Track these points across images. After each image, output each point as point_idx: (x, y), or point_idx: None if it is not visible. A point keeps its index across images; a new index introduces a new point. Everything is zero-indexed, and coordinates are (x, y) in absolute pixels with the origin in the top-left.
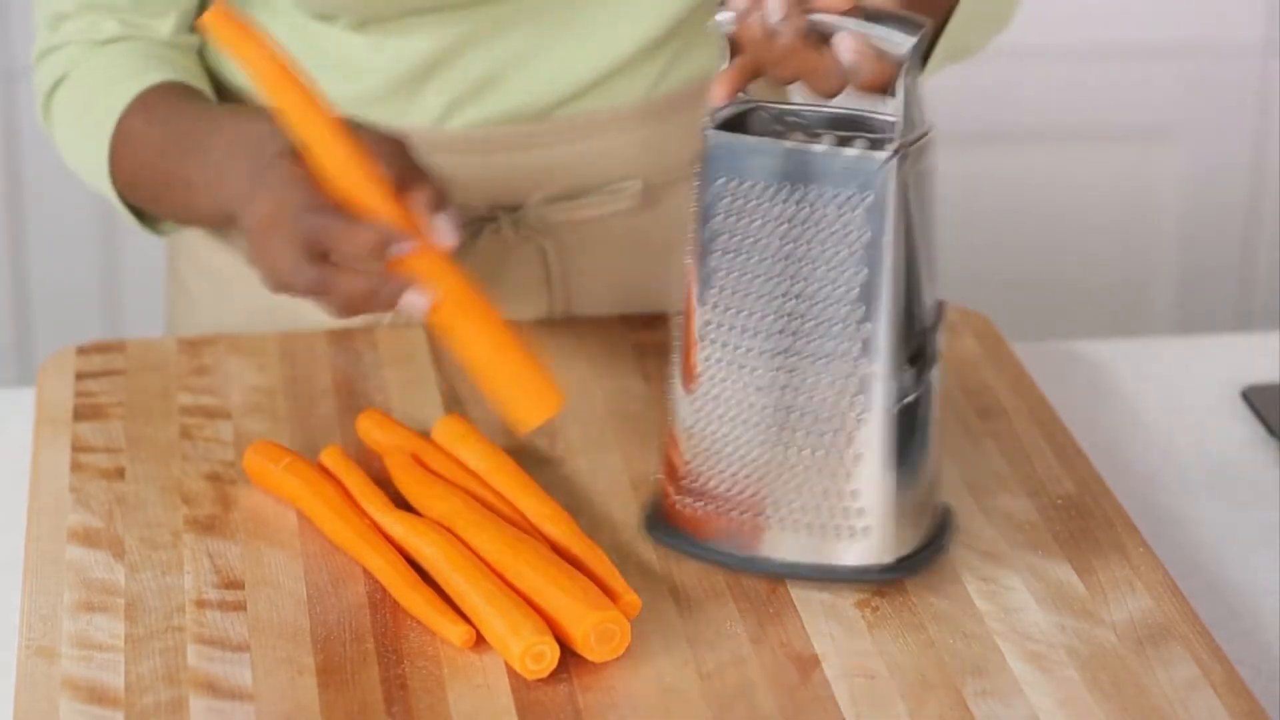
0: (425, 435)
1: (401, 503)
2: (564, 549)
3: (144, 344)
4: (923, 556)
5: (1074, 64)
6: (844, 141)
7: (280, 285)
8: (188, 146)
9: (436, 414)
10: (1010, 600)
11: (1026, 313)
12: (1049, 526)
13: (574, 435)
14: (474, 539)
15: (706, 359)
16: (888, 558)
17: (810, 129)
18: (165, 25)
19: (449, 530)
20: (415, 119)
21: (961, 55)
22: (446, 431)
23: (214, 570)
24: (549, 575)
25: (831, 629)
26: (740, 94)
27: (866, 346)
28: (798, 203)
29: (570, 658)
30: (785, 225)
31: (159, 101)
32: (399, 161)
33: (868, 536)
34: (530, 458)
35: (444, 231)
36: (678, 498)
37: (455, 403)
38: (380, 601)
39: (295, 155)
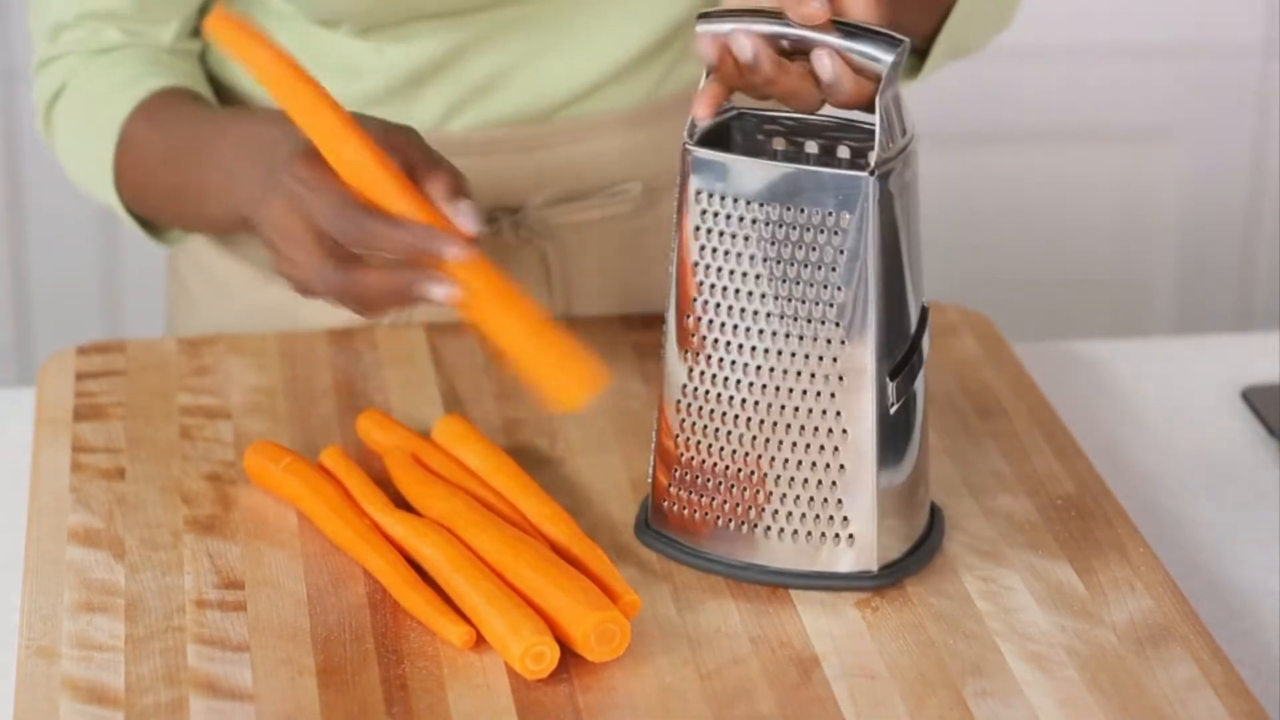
0: (425, 435)
1: (401, 503)
2: (564, 549)
3: (144, 344)
4: (913, 560)
5: (1074, 64)
6: (829, 148)
7: (303, 289)
8: (195, 153)
9: (436, 414)
10: (1010, 600)
11: (1026, 313)
12: (1049, 526)
13: (574, 435)
14: (474, 539)
15: (691, 371)
16: (878, 564)
17: (794, 135)
18: (167, 32)
19: (449, 530)
20: (415, 121)
21: (962, 53)
22: (446, 431)
23: (214, 570)
24: (549, 575)
25: (831, 629)
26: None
27: (851, 358)
28: (779, 218)
29: (570, 658)
30: (767, 240)
31: (161, 108)
32: (412, 152)
33: (858, 544)
34: (530, 458)
35: (467, 218)
36: (669, 506)
37: (455, 403)
38: (380, 602)
39: (310, 155)
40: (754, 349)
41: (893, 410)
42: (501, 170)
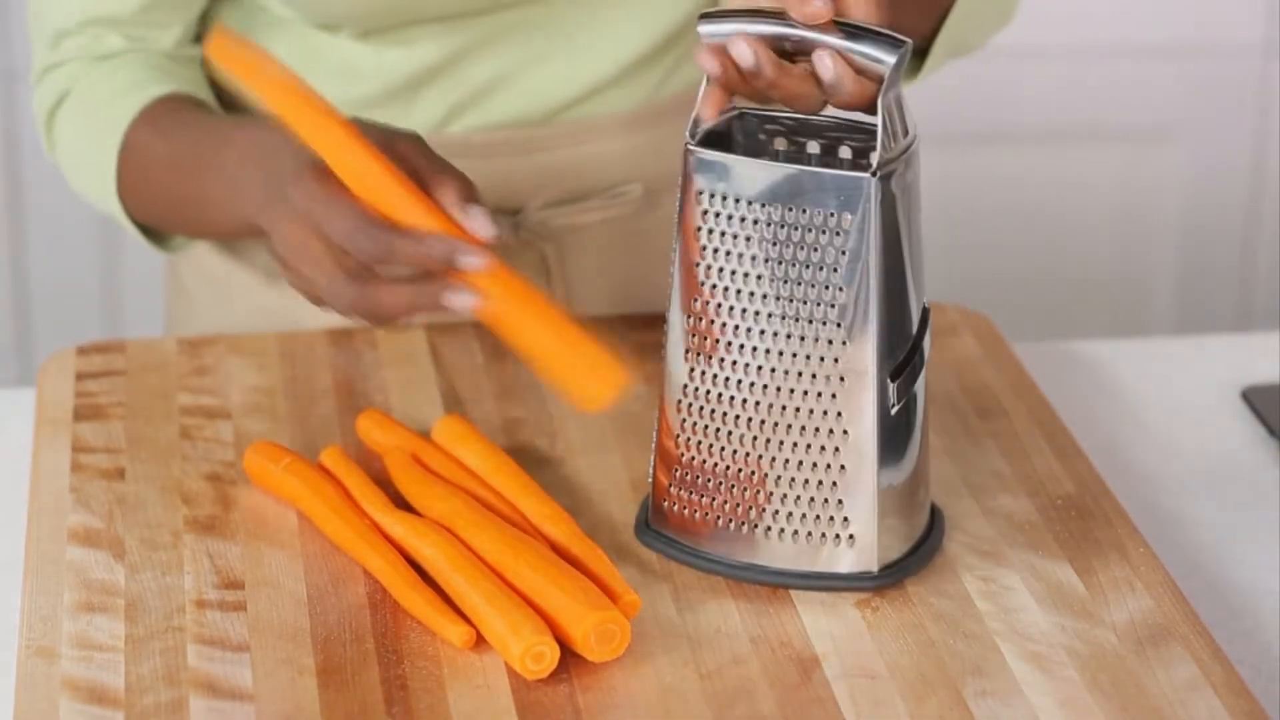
0: (425, 435)
1: (401, 503)
2: (564, 549)
3: (144, 344)
4: (914, 560)
5: (1074, 64)
6: (830, 148)
7: (319, 303)
8: (199, 162)
9: (436, 414)
10: (1010, 600)
11: (1026, 313)
12: (1049, 526)
13: (574, 435)
14: (474, 539)
15: (692, 371)
16: (879, 564)
17: (795, 136)
18: (168, 37)
19: (449, 530)
20: (414, 124)
21: (962, 51)
22: (446, 431)
23: (214, 570)
24: (549, 575)
25: (831, 629)
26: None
27: (852, 359)
28: (780, 218)
29: (570, 658)
30: (769, 241)
31: (164, 114)
32: (418, 160)
33: (858, 544)
34: (530, 458)
35: (482, 223)
36: (670, 505)
37: (455, 403)
38: (380, 602)
39: (318, 171)
40: (755, 349)
41: (893, 411)
42: (501, 172)
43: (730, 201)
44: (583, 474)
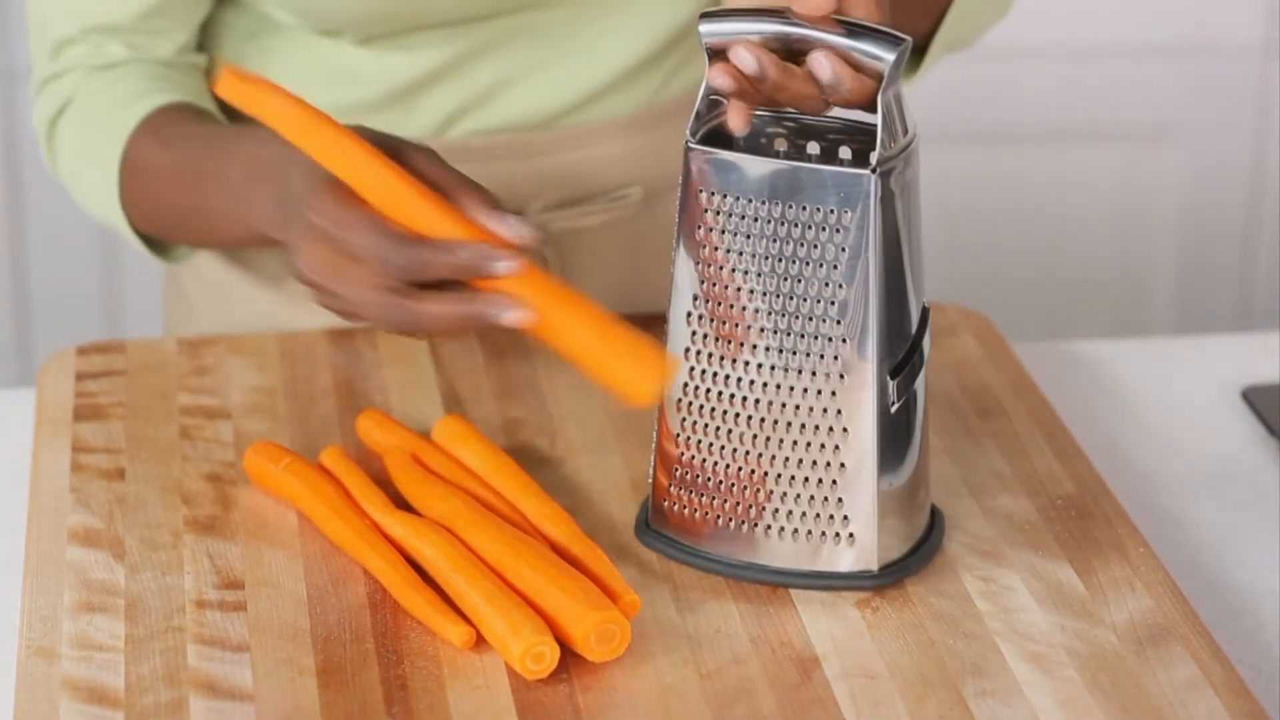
0: (425, 435)
1: (401, 503)
2: (564, 549)
3: (144, 344)
4: (914, 560)
5: (1074, 64)
6: (831, 147)
7: (354, 319)
8: (203, 173)
9: (436, 414)
10: (1010, 600)
11: (1026, 313)
12: (1049, 526)
13: (574, 435)
14: (474, 539)
15: (691, 370)
16: (879, 564)
17: (797, 135)
18: (170, 45)
19: (449, 530)
20: (414, 127)
21: (959, 46)
22: (446, 431)
23: (214, 570)
24: (549, 575)
25: (831, 629)
26: (725, 101)
27: (852, 357)
28: (781, 216)
29: (570, 658)
30: (769, 239)
31: (165, 124)
32: (437, 174)
33: (858, 544)
34: (530, 458)
35: (516, 229)
36: (670, 505)
37: (455, 403)
38: (380, 602)
39: (334, 190)
40: (755, 347)
41: (893, 409)
42: (502, 176)
43: (730, 199)
44: (583, 474)
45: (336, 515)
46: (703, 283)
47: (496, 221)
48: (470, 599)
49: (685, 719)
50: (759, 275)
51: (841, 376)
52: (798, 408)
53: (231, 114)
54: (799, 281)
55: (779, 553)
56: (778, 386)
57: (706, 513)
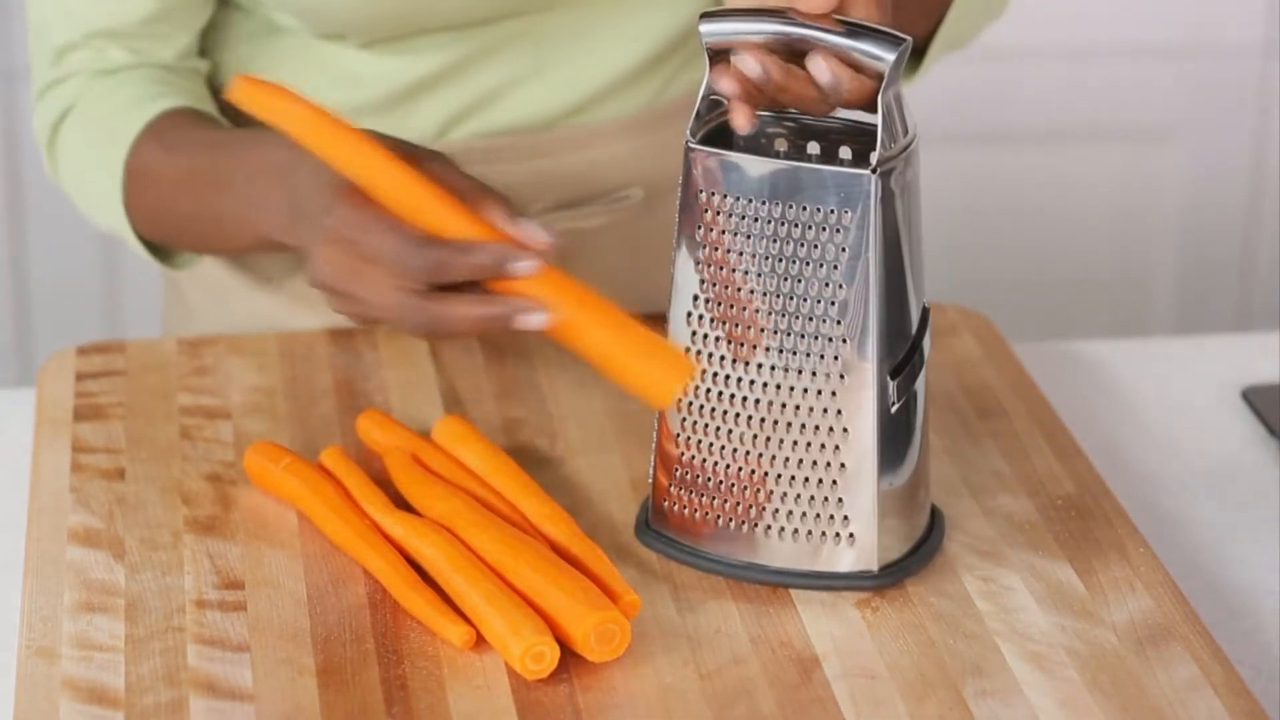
0: (425, 435)
1: (401, 503)
2: (564, 549)
3: (144, 344)
4: (914, 560)
5: (1074, 64)
6: (831, 147)
7: (374, 323)
8: (209, 179)
9: (436, 414)
10: (1010, 600)
11: (1026, 313)
12: (1049, 526)
13: (574, 435)
14: (474, 539)
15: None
16: (879, 564)
17: (797, 135)
18: (172, 49)
19: (449, 530)
20: (415, 130)
21: (956, 46)
22: (446, 431)
23: (214, 570)
24: (549, 575)
25: (831, 629)
26: (725, 102)
27: (852, 357)
28: (781, 217)
29: (570, 658)
30: (769, 239)
31: (169, 129)
32: (455, 180)
33: (858, 544)
34: (530, 458)
35: (537, 233)
36: (670, 506)
37: (455, 403)
38: (380, 602)
39: (350, 195)
40: (755, 347)
41: (893, 409)
42: (502, 177)
43: (730, 199)
44: (583, 474)
45: (336, 515)
46: (703, 283)
47: (514, 225)
48: (470, 599)
49: (685, 719)
50: (759, 275)
51: (842, 376)
52: (798, 408)
53: (235, 119)
54: (799, 282)
55: (779, 553)
56: (778, 387)
57: (706, 513)
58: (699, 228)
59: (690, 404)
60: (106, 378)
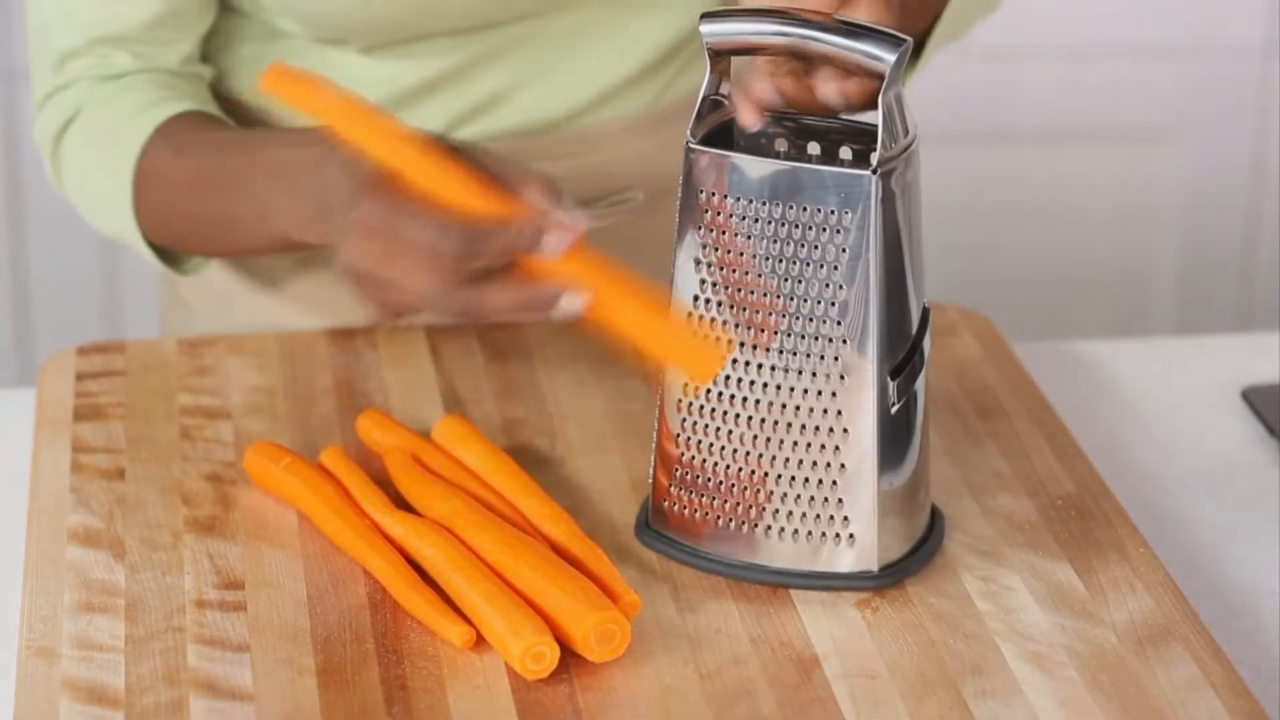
0: (425, 435)
1: (401, 503)
2: (564, 549)
3: (144, 344)
4: (914, 560)
5: (1074, 64)
6: (832, 148)
7: (409, 311)
8: (224, 180)
9: (436, 414)
10: (1010, 600)
11: (1026, 313)
12: (1049, 526)
13: (574, 435)
14: (474, 539)
15: None
16: (879, 564)
17: (797, 135)
18: (176, 54)
19: (449, 530)
20: None
21: (953, 39)
22: (446, 431)
23: (214, 570)
24: (549, 575)
25: (831, 629)
26: (726, 102)
27: (852, 358)
28: (781, 217)
29: (570, 658)
30: (769, 239)
31: (180, 132)
32: (495, 167)
33: (858, 544)
34: (530, 458)
35: (575, 216)
36: (670, 506)
37: (455, 403)
38: (380, 602)
39: (384, 183)
40: (755, 348)
41: (894, 410)
42: None
43: (731, 200)
44: (583, 474)
45: (336, 515)
46: (703, 283)
47: (550, 207)
48: (470, 599)
49: (685, 719)
50: (759, 275)
51: (842, 377)
52: (798, 408)
53: (240, 123)
54: (799, 282)
55: (779, 553)
56: (778, 387)
57: (706, 513)
58: (699, 228)
59: (690, 404)
60: (106, 378)
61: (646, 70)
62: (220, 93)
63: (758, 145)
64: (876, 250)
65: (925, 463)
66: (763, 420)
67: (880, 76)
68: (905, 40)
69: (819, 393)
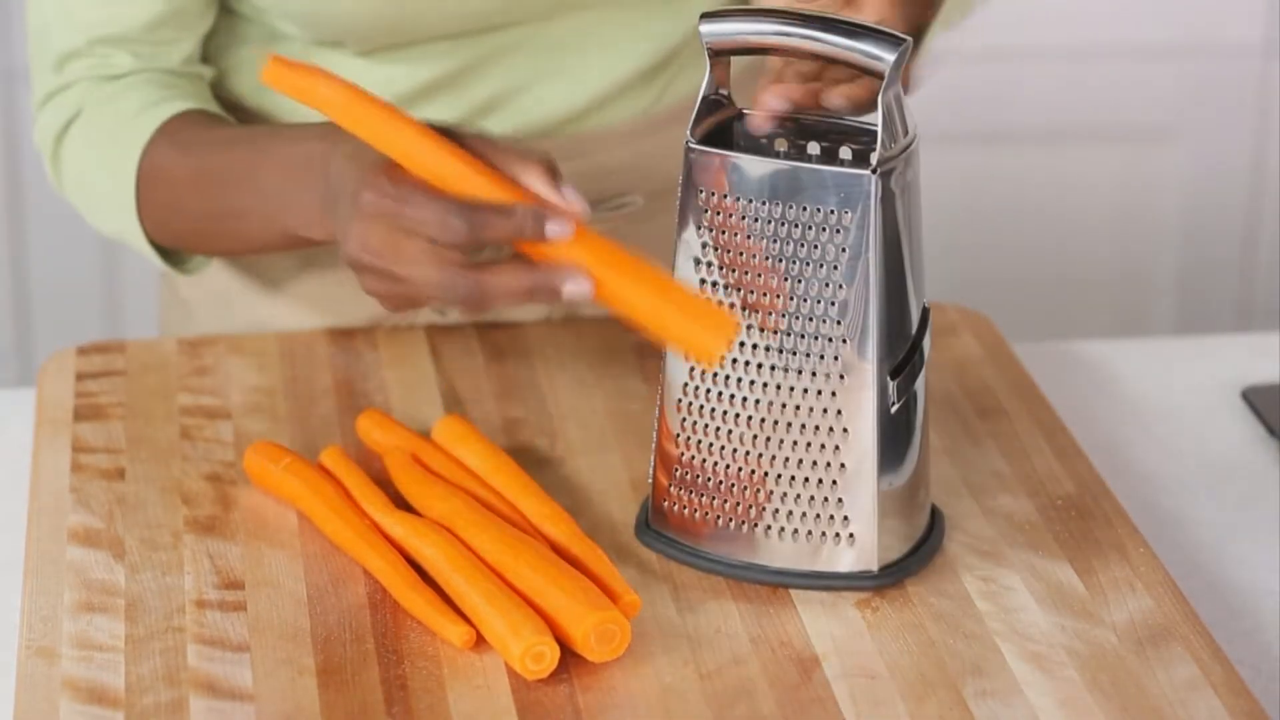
0: (425, 435)
1: (401, 503)
2: (564, 549)
3: (144, 344)
4: (914, 560)
5: (1074, 64)
6: (832, 147)
7: (413, 302)
8: (230, 178)
9: (436, 414)
10: (1010, 600)
11: (1026, 313)
12: (1049, 526)
13: (574, 435)
14: (474, 539)
15: (691, 370)
16: (879, 564)
17: (797, 135)
18: (176, 54)
19: (449, 530)
20: None
21: (950, 27)
22: (446, 431)
23: (214, 570)
24: (549, 575)
25: (831, 629)
26: (725, 102)
27: (852, 357)
28: (781, 217)
29: (570, 658)
30: (769, 239)
31: (183, 130)
32: (493, 152)
33: (858, 544)
34: (530, 458)
35: (575, 199)
36: (670, 506)
37: (455, 403)
38: (380, 602)
39: (389, 170)
40: (755, 347)
41: (893, 409)
42: None
43: (730, 199)
44: (583, 474)
45: (336, 515)
46: (702, 283)
47: (553, 191)
48: (470, 599)
49: (685, 719)
50: (759, 275)
51: (842, 377)
52: (798, 408)
53: (242, 122)
54: (799, 282)
55: (779, 553)
56: (778, 387)
57: (706, 513)
58: (699, 228)
59: (690, 404)
60: (106, 378)
61: (644, 73)
62: (221, 93)
63: (758, 145)
64: (876, 250)
65: (925, 463)
66: (762, 420)
67: (880, 76)
68: (905, 40)
69: (819, 392)
